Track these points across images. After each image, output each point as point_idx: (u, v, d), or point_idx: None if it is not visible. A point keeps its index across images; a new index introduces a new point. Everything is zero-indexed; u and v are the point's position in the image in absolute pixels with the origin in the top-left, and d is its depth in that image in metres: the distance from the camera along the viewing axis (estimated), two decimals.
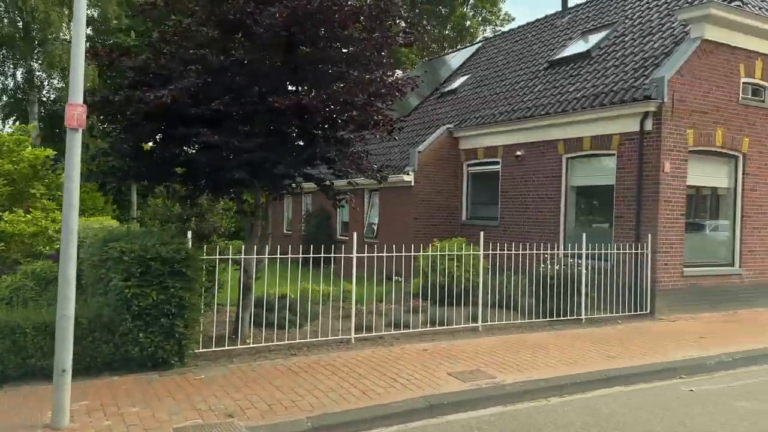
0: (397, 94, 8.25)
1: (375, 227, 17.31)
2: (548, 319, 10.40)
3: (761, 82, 12.72)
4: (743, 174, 12.53)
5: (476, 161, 15.94)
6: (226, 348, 7.87)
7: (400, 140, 18.15)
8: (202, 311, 7.77)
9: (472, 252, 10.66)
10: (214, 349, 7.73)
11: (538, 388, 6.80)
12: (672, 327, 10.39)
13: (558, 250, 12.40)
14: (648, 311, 11.27)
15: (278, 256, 8.27)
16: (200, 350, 7.58)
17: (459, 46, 25.87)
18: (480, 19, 40.17)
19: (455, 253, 10.56)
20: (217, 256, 8.01)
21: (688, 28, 12.05)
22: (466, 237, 16.08)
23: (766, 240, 12.92)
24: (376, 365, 7.38)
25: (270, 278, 10.00)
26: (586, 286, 10.71)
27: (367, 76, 7.68)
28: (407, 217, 15.82)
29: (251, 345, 8.09)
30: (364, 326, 9.00)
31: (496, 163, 15.27)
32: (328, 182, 8.67)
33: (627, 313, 11.08)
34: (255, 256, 8.43)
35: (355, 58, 7.97)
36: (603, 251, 10.95)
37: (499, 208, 15.11)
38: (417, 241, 14.53)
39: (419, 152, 15.66)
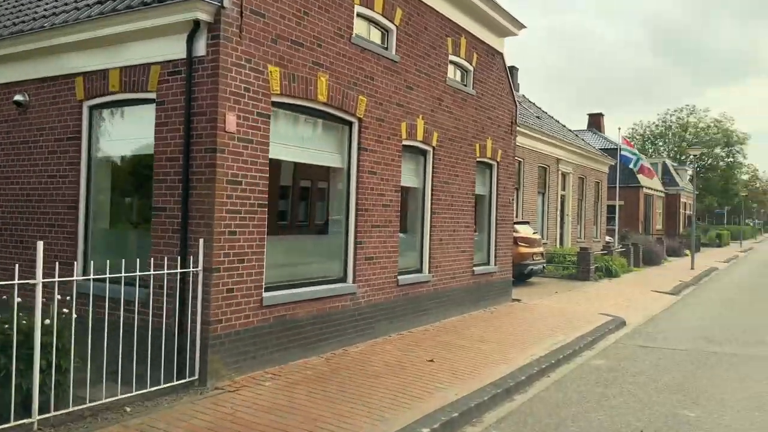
0: None
1: None
2: None
3: (384, 21, 9.00)
4: (359, 149, 8.64)
5: None
6: None
7: None
8: None
9: None
10: None
11: None
12: (223, 415, 5.57)
13: (76, 269, 6.66)
14: (196, 376, 6.33)
15: None
16: None
17: None
18: None
19: None
20: None
21: None
22: None
23: (390, 242, 9.35)
24: None
25: None
26: (50, 349, 5.17)
27: None
28: None
29: None
30: None
31: None
32: None
33: (157, 387, 5.94)
34: None
35: None
36: (110, 275, 5.60)
37: None
38: None
39: None
